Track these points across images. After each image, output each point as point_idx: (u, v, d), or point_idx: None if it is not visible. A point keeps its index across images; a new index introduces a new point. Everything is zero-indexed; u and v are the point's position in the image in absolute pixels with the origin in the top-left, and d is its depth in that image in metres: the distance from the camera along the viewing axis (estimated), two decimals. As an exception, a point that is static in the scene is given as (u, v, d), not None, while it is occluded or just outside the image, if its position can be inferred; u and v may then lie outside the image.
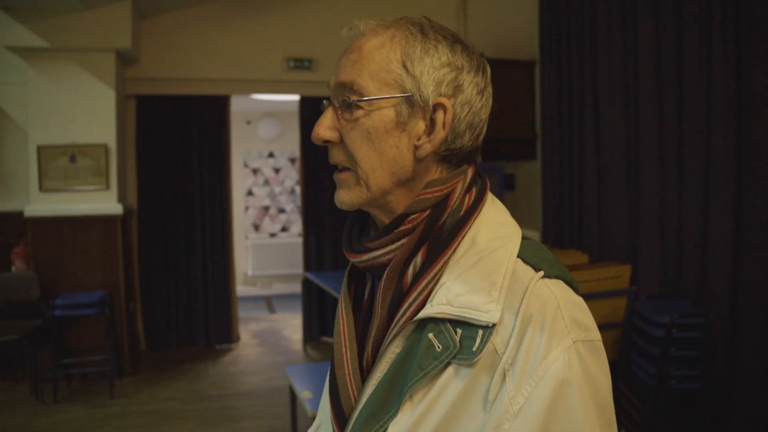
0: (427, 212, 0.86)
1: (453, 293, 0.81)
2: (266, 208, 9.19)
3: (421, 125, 0.85)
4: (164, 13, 5.53)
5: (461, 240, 0.85)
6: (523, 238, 0.88)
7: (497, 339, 0.78)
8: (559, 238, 4.52)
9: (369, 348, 0.87)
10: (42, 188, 5.12)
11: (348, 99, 0.86)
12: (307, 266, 6.36)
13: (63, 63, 5.01)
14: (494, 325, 0.78)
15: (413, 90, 0.84)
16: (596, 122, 4.09)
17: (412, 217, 0.86)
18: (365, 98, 0.85)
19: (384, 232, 0.87)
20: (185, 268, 6.00)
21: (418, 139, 0.86)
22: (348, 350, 0.90)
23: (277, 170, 9.25)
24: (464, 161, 0.91)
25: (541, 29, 4.65)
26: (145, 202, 5.85)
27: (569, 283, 0.84)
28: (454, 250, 0.85)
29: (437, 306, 0.81)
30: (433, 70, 0.85)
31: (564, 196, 4.46)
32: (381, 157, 0.86)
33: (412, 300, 0.83)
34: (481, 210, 0.88)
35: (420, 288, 0.83)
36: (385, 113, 0.85)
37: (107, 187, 5.21)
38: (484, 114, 0.89)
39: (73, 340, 5.14)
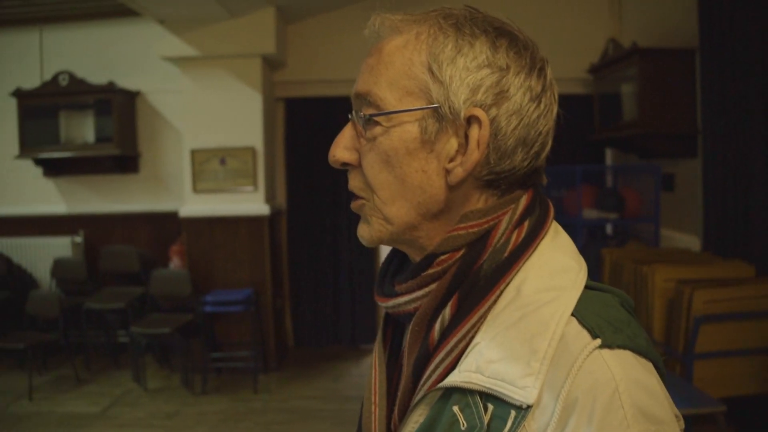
0: (461, 252, 0.70)
1: (485, 358, 0.65)
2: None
3: (453, 143, 0.70)
4: (309, 17, 5.70)
5: (503, 289, 0.68)
6: (591, 287, 0.70)
7: (532, 425, 0.62)
8: (721, 246, 3.99)
9: (396, 410, 0.75)
10: (195, 189, 5.49)
11: (364, 114, 0.72)
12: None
13: (212, 69, 5.34)
14: (529, 407, 0.62)
15: (441, 99, 0.69)
16: (765, 116, 3.58)
17: (442, 258, 0.71)
18: (382, 112, 0.71)
19: (410, 275, 0.73)
20: (332, 267, 6.14)
21: (450, 161, 0.70)
22: (377, 408, 0.78)
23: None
24: (517, 186, 0.73)
25: (701, 14, 4.16)
26: (293, 203, 6.07)
27: (643, 356, 0.65)
28: (494, 303, 0.68)
29: (465, 373, 0.66)
30: (468, 73, 0.68)
31: (728, 199, 3.94)
32: (403, 185, 0.71)
33: (438, 361, 0.69)
34: (534, 250, 0.70)
35: (449, 347, 0.68)
36: (407, 130, 0.70)
37: (255, 188, 5.46)
38: (545, 125, 0.72)
39: (223, 335, 5.46)
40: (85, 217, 6.22)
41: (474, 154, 0.69)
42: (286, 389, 5.17)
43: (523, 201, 0.72)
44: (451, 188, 0.71)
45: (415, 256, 0.76)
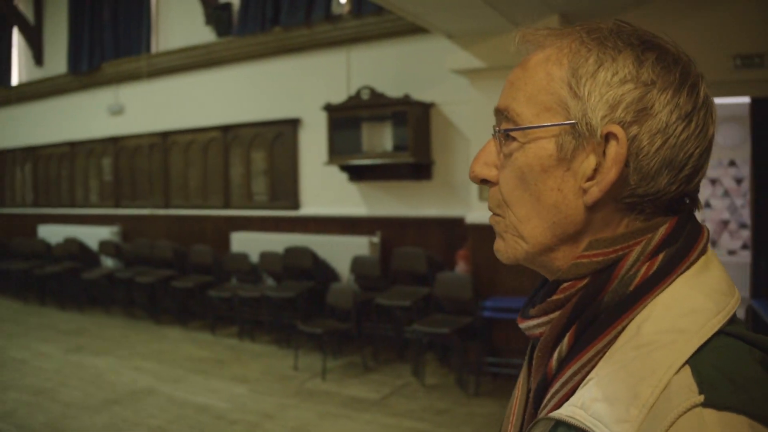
0: (585, 281, 0.68)
1: (592, 395, 0.63)
2: (725, 223, 8.33)
3: (591, 162, 0.67)
4: (597, 19, 5.54)
5: (626, 326, 0.65)
6: (725, 333, 0.63)
7: None
8: None
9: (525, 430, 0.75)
10: (481, 197, 5.70)
11: (501, 129, 0.73)
12: (755, 292, 5.56)
13: (497, 80, 5.48)
14: None
15: (578, 115, 0.67)
16: None
17: (566, 285, 0.69)
18: (518, 127, 0.71)
19: (540, 299, 0.73)
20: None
21: (587, 181, 0.68)
22: (512, 428, 0.79)
23: (738, 181, 8.30)
24: (663, 212, 0.69)
25: None
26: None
27: (756, 419, 0.56)
28: (614, 338, 0.65)
29: (571, 407, 0.65)
30: (608, 88, 0.66)
31: None
32: (539, 203, 0.70)
33: (554, 391, 0.69)
34: (667, 286, 0.65)
35: (564, 378, 0.67)
36: (543, 146, 0.69)
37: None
38: (695, 147, 0.67)
39: (502, 341, 5.59)
40: (382, 219, 6.85)
41: (610, 173, 0.66)
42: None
43: (663, 230, 0.68)
44: (588, 209, 0.68)
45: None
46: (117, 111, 9.55)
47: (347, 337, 6.26)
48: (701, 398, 0.57)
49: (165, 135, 8.91)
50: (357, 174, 6.96)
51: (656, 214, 0.69)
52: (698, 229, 0.70)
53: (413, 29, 6.17)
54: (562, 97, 0.68)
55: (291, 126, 7.55)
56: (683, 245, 0.68)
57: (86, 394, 5.33)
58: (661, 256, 0.67)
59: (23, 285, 10.06)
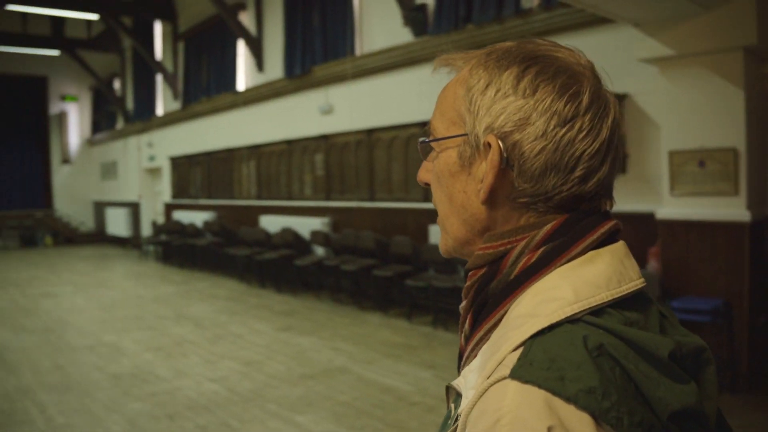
0: (483, 271, 0.78)
1: (469, 367, 0.77)
2: None
3: (482, 167, 0.77)
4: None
5: (507, 309, 0.74)
6: (582, 321, 0.69)
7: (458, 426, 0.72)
8: None
9: None
10: (672, 192, 5.52)
11: (420, 139, 0.85)
12: None
13: (688, 68, 5.29)
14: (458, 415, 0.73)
15: (470, 128, 0.77)
16: None
17: (471, 273, 0.80)
18: (427, 139, 0.83)
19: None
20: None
21: (479, 184, 0.78)
22: None
23: None
24: (556, 210, 0.76)
25: None
26: (787, 208, 5.54)
27: (566, 400, 0.63)
28: (498, 321, 0.75)
29: (459, 378, 0.79)
30: (492, 102, 0.75)
31: None
32: (451, 203, 0.81)
33: (462, 363, 0.82)
34: (540, 276, 0.73)
35: (467, 353, 0.80)
36: (450, 154, 0.80)
37: (735, 192, 5.21)
38: (583, 150, 0.74)
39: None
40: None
41: (488, 177, 0.75)
42: (753, 415, 4.84)
43: (548, 227, 0.75)
44: (488, 208, 0.77)
45: None
46: (327, 110, 10.42)
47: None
48: (505, 372, 0.66)
49: (370, 132, 9.57)
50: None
51: (549, 212, 0.76)
52: (592, 226, 0.76)
53: (601, 19, 6.10)
54: (462, 112, 0.78)
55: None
56: (565, 241, 0.74)
57: (288, 368, 6.06)
58: (540, 250, 0.74)
59: (246, 269, 11.49)
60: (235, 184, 13.34)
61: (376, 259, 8.89)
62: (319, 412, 4.91)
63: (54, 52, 20.11)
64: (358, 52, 9.79)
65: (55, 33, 19.29)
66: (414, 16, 8.41)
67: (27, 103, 22.09)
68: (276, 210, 11.84)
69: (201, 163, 14.79)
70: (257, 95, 12.34)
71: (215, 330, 7.84)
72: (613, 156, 0.76)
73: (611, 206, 0.79)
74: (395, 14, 8.88)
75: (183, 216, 15.28)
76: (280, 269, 10.53)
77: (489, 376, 0.68)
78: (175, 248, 14.50)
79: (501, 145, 0.74)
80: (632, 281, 0.74)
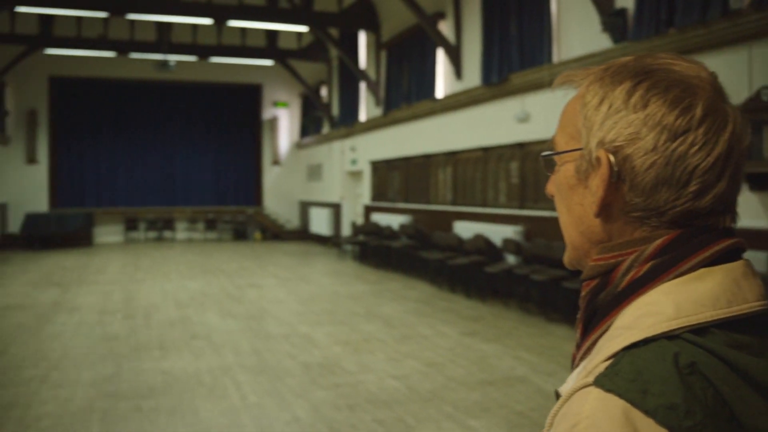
0: (595, 282, 0.80)
1: (572, 376, 0.80)
2: None
3: (597, 181, 0.78)
4: None
5: (613, 321, 0.76)
6: (680, 337, 0.69)
7: None
8: None
9: None
10: None
11: (542, 153, 0.89)
12: None
13: None
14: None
15: (584, 143, 0.80)
16: None
17: (585, 284, 0.82)
18: (549, 152, 0.87)
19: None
20: None
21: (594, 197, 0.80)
22: None
23: None
24: (669, 225, 0.77)
25: None
26: None
27: (645, 413, 0.64)
28: (605, 331, 0.77)
29: (564, 385, 0.81)
30: (605, 117, 0.78)
31: None
32: (570, 215, 0.84)
33: (575, 373, 0.83)
34: (646, 290, 0.74)
35: (576, 361, 0.83)
36: (568, 168, 0.83)
37: None
38: (696, 165, 0.74)
39: None
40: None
41: (599, 192, 0.77)
42: None
43: (659, 242, 0.76)
44: (604, 221, 0.79)
45: None
46: (523, 118, 10.52)
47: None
48: (591, 379, 0.69)
49: (564, 140, 9.51)
50: (757, 183, 6.61)
51: (662, 227, 0.76)
52: (706, 243, 0.75)
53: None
54: (579, 127, 0.81)
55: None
56: (675, 256, 0.75)
57: (468, 373, 6.30)
58: (649, 264, 0.75)
59: (438, 272, 11.89)
60: (431, 189, 13.83)
61: (566, 271, 8.83)
62: (494, 419, 5.08)
63: (268, 62, 22.14)
64: (555, 59, 9.79)
65: (270, 45, 21.30)
66: (613, 22, 8.28)
67: (243, 110, 24.62)
68: (469, 216, 12.12)
69: (399, 167, 15.48)
70: (455, 102, 12.71)
71: (403, 330, 8.29)
72: (733, 171, 0.76)
73: (733, 223, 0.79)
74: (593, 20, 8.79)
75: (381, 218, 16.10)
76: (470, 275, 10.79)
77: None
78: (372, 249, 15.32)
79: (612, 159, 0.76)
80: (747, 303, 0.72)
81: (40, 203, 21.91)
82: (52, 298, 10.87)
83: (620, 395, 0.65)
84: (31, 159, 21.80)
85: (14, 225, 20.83)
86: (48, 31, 19.11)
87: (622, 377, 0.66)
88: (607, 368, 0.69)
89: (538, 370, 6.40)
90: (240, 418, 5.13)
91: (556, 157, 0.85)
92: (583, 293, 0.82)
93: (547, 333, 8.04)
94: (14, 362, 6.76)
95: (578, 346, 0.82)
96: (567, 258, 0.87)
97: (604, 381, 0.67)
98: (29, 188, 21.73)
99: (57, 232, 20.28)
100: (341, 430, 4.86)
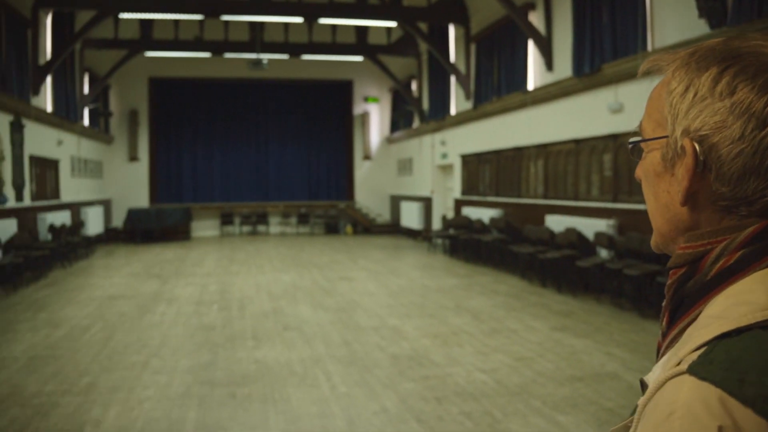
0: (684, 270, 0.79)
1: (659, 365, 0.79)
2: None
3: (682, 169, 0.78)
4: None
5: (702, 310, 0.75)
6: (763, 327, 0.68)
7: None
8: None
9: None
10: None
11: (629, 140, 0.88)
12: None
13: None
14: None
15: (670, 131, 0.79)
16: None
17: (672, 272, 0.82)
18: (636, 139, 0.86)
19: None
20: None
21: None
22: None
23: None
24: (760, 214, 0.75)
25: None
26: None
27: (742, 402, 0.63)
28: (693, 320, 0.76)
29: (650, 373, 0.80)
30: (690, 105, 0.77)
31: None
32: (657, 202, 0.84)
33: (657, 359, 0.83)
34: (737, 279, 0.74)
35: (662, 350, 0.82)
36: (655, 155, 0.82)
37: None
38: None
39: None
40: None
41: (684, 181, 0.77)
42: None
43: (750, 230, 0.74)
44: (690, 209, 0.79)
45: None
46: (616, 109, 10.38)
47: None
48: (684, 367, 0.67)
49: (660, 131, 9.33)
50: None
51: (751, 216, 0.75)
52: None
53: None
54: (665, 114, 0.80)
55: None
56: (766, 245, 0.74)
57: (557, 368, 6.35)
58: (739, 253, 0.74)
59: (529, 267, 11.92)
60: (522, 183, 13.81)
61: (661, 265, 8.68)
62: (582, 415, 5.11)
63: (358, 58, 22.50)
64: (649, 47, 9.61)
65: (360, 41, 21.63)
66: (711, 6, 8.07)
67: (335, 105, 25.20)
68: (561, 209, 12.05)
69: (490, 161, 15.51)
70: (546, 94, 12.65)
71: (491, 323, 8.39)
72: None
73: None
74: (690, 5, 8.58)
75: (471, 212, 16.17)
76: (561, 269, 10.75)
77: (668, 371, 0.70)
78: (462, 242, 15.40)
79: (697, 148, 0.75)
80: None
81: (142, 199, 23.18)
82: (153, 289, 11.54)
83: (716, 384, 0.64)
84: (133, 157, 23.11)
85: (117, 219, 22.12)
86: (148, 35, 20.11)
87: (717, 366, 0.66)
88: (699, 356, 0.68)
89: (630, 366, 6.37)
90: (330, 407, 5.36)
91: (642, 144, 0.85)
92: (669, 281, 0.82)
93: (641, 329, 7.95)
94: (119, 348, 7.28)
95: (664, 335, 0.82)
96: (654, 243, 0.88)
97: (699, 369, 0.66)
98: (131, 185, 23.05)
99: (157, 227, 21.33)
100: (428, 422, 5.00)
